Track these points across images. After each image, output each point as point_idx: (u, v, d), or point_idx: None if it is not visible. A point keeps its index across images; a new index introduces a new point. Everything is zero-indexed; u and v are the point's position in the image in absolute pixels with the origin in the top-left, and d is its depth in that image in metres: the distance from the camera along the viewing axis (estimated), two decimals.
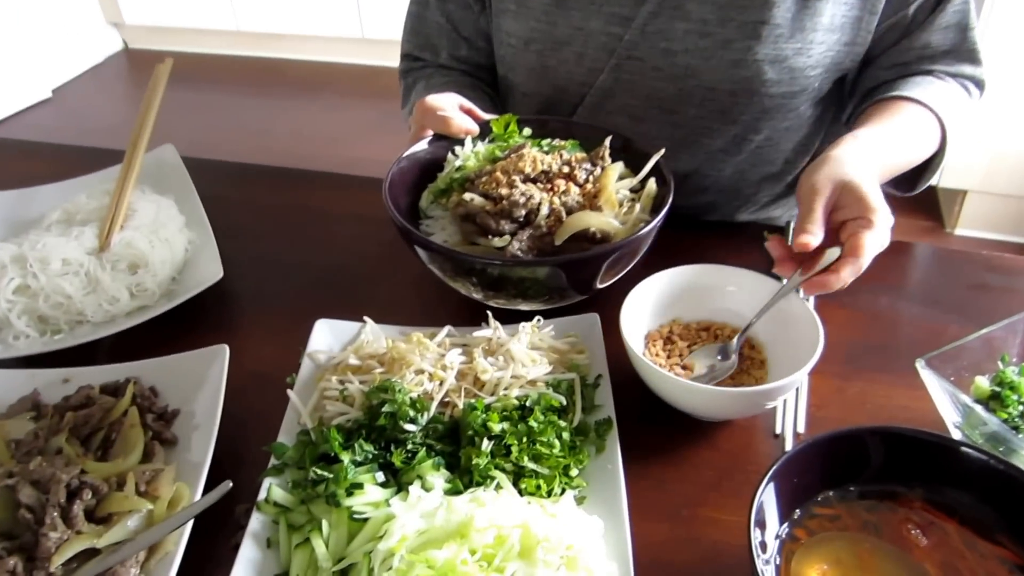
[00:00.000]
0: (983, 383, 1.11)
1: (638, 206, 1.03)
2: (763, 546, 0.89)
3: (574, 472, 1.01)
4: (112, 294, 1.28)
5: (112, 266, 1.31)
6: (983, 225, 3.74)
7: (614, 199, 1.01)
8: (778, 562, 0.89)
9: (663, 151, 1.07)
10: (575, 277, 1.00)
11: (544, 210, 0.99)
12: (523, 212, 0.99)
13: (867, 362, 1.24)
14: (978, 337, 1.12)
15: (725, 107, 1.36)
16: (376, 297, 1.37)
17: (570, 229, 0.98)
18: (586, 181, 1.03)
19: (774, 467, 0.90)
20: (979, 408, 1.04)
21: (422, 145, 1.13)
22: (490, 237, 0.98)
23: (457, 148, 1.12)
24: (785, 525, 0.92)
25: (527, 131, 1.15)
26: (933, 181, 1.46)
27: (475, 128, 1.12)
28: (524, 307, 1.16)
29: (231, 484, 0.96)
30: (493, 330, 1.16)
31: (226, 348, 1.15)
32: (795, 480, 0.93)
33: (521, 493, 0.98)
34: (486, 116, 1.17)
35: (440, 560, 0.85)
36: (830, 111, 1.50)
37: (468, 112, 1.15)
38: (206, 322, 1.33)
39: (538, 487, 0.99)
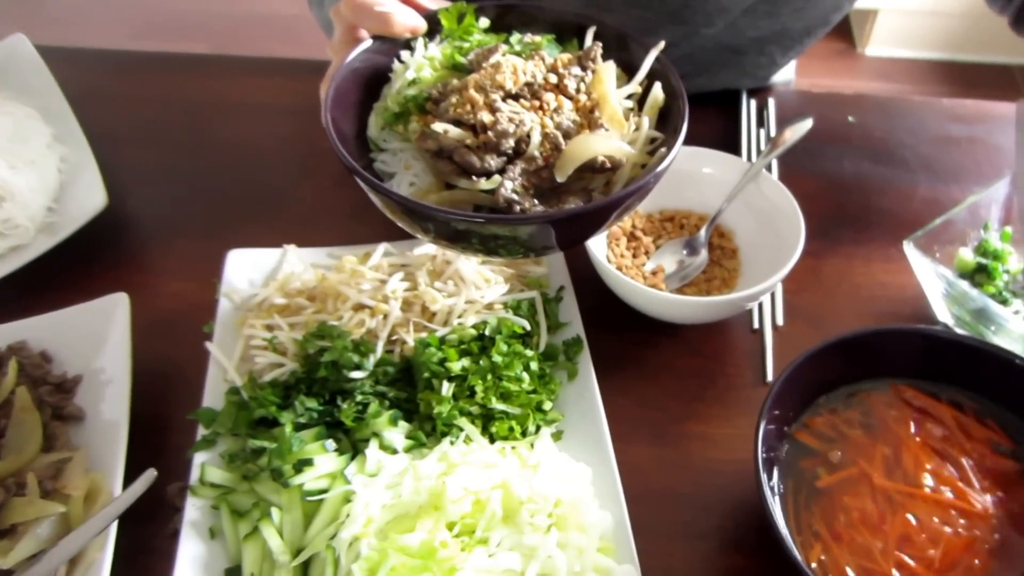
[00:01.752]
0: (967, 256, 1.01)
1: (646, 121, 0.81)
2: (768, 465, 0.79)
3: (548, 406, 0.88)
4: None
5: None
6: (894, 43, 3.63)
7: (619, 116, 0.78)
8: (782, 490, 0.79)
9: (662, 44, 0.84)
10: (583, 226, 0.79)
11: (536, 137, 0.77)
12: (512, 142, 0.77)
13: (840, 235, 1.12)
14: (963, 208, 1.00)
15: (674, 9, 1.13)
16: (294, 208, 1.17)
17: (574, 160, 0.75)
18: (578, 91, 0.81)
19: (767, 405, 0.78)
20: (965, 285, 0.94)
21: (359, 53, 0.85)
22: (474, 178, 0.75)
23: (404, 53, 0.86)
24: (784, 444, 0.82)
25: (484, 22, 0.89)
26: None
27: (422, 24, 0.85)
28: (478, 259, 0.98)
29: (155, 473, 0.80)
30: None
31: (126, 297, 0.95)
32: (789, 400, 0.82)
33: (492, 438, 0.85)
34: (430, 6, 0.90)
35: (415, 544, 0.72)
36: None
37: (407, 1, 0.88)
38: (96, 259, 1.11)
39: (510, 429, 0.85)
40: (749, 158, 1.20)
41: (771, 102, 1.30)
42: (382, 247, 1.00)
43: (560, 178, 0.76)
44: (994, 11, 1.13)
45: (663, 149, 0.80)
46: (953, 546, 0.74)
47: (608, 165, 0.76)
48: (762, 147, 1.23)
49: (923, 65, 3.60)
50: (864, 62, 3.64)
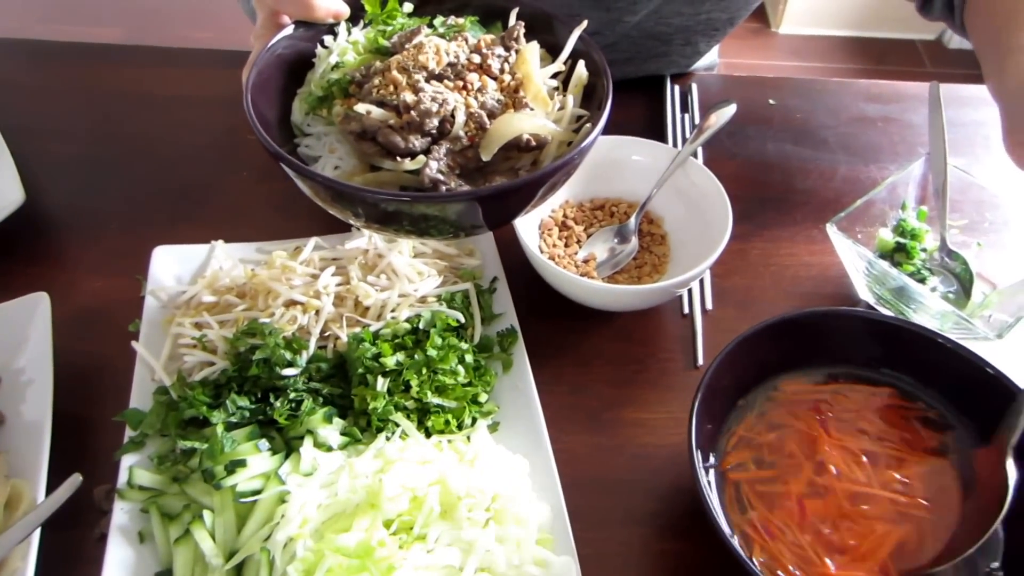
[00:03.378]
0: (886, 236, 1.02)
1: (570, 99, 0.80)
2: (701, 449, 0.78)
3: (483, 398, 0.86)
4: None
5: None
6: (806, 22, 3.68)
7: (543, 94, 0.77)
8: (714, 474, 0.79)
9: (585, 24, 0.82)
10: (511, 203, 0.77)
11: (460, 116, 0.75)
12: (436, 122, 0.76)
13: (765, 218, 1.12)
14: (883, 189, 1.01)
15: None
16: (220, 202, 1.12)
17: (499, 139, 0.74)
18: (502, 71, 0.79)
19: (699, 392, 0.77)
20: (886, 265, 0.95)
21: (281, 39, 0.82)
22: (398, 159, 0.73)
23: (327, 38, 0.83)
24: (716, 431, 0.82)
25: (408, 6, 0.86)
26: None
27: (345, 9, 0.82)
28: (408, 241, 0.95)
29: (81, 478, 0.76)
30: (368, 239, 0.96)
31: (46, 297, 0.89)
32: (721, 388, 0.81)
33: (428, 432, 0.83)
34: None
35: (352, 544, 0.70)
36: None
37: None
38: (14, 257, 1.04)
39: (447, 423, 0.83)
40: (675, 144, 1.19)
41: (694, 87, 1.29)
42: (312, 241, 0.96)
43: (486, 157, 0.74)
44: None
45: (588, 125, 0.78)
46: (878, 530, 0.74)
47: (534, 143, 0.75)
48: (687, 132, 1.22)
49: (834, 42, 3.68)
50: (778, 40, 3.69)
